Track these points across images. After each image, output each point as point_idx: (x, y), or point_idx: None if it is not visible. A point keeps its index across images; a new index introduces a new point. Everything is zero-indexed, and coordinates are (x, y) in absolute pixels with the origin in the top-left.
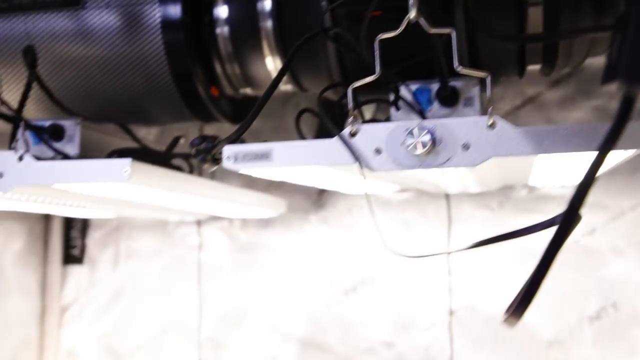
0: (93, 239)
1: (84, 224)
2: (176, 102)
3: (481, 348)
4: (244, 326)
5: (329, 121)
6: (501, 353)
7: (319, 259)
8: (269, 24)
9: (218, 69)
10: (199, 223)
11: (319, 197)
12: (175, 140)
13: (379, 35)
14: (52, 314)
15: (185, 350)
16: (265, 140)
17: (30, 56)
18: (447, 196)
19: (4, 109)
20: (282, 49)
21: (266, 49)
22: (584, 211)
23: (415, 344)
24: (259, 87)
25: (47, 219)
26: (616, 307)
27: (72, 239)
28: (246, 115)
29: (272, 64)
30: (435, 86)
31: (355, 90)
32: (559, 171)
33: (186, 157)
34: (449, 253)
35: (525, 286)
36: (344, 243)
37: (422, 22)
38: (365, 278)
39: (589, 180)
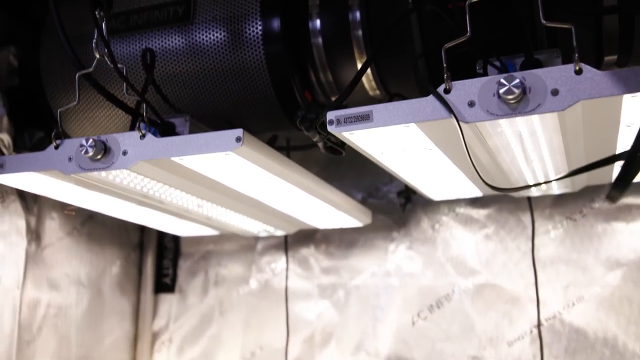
0: (183, 268)
1: (175, 254)
2: (274, 108)
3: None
4: (330, 346)
5: (424, 80)
6: None
7: (403, 275)
8: (359, 32)
9: (312, 76)
10: (282, 249)
11: (400, 215)
12: (274, 138)
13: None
14: (144, 339)
15: None
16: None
17: (149, 57)
18: (530, 199)
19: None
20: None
21: (357, 56)
22: None
23: (503, 357)
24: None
25: (142, 248)
26: None
27: (164, 268)
28: None
29: None
30: (519, 60)
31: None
32: None
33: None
34: (547, 182)
35: (622, 169)
36: (428, 259)
37: None
38: (450, 293)
39: None
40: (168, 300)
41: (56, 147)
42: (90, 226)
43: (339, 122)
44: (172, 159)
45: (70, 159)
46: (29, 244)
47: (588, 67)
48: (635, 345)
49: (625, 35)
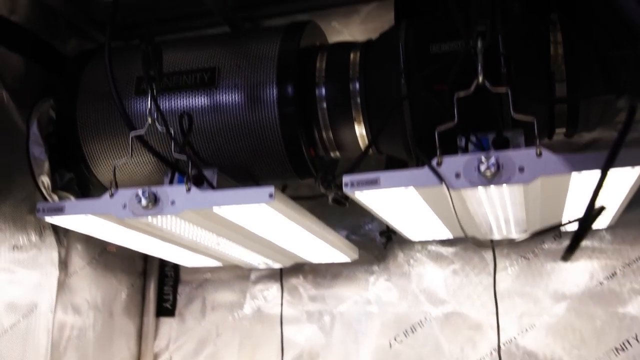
0: (183, 294)
1: (175, 281)
2: (283, 162)
3: None
4: None
5: (422, 156)
6: None
7: (382, 304)
8: (358, 100)
9: (316, 135)
10: (274, 278)
11: (380, 252)
12: (284, 188)
13: (457, 94)
14: (147, 359)
15: None
16: None
17: (186, 120)
18: (492, 246)
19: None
20: (368, 119)
21: (355, 119)
22: (605, 257)
23: None
24: (346, 150)
25: (145, 275)
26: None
27: (164, 294)
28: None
29: (359, 130)
30: (491, 136)
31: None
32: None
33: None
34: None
35: (572, 238)
36: (403, 290)
37: (487, 84)
38: (422, 320)
39: (603, 177)
40: (168, 323)
41: (111, 196)
42: (106, 256)
43: (352, 184)
44: (213, 208)
45: (124, 205)
46: (59, 273)
47: (546, 151)
48: None
49: (572, 117)
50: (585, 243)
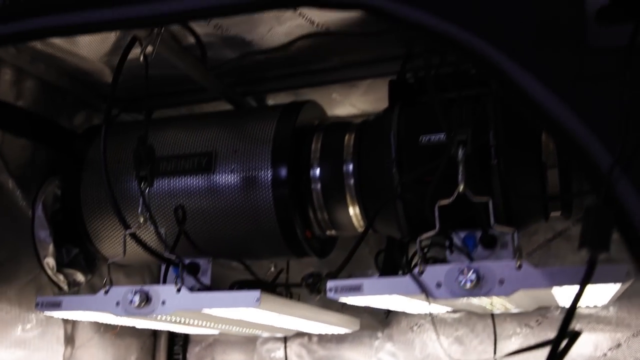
0: (192, 353)
1: (185, 340)
2: (278, 242)
3: None
4: None
5: (406, 266)
6: None
7: None
8: (351, 181)
9: (311, 215)
10: (282, 339)
11: (385, 317)
12: (279, 273)
13: (438, 202)
14: None
15: None
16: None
17: (180, 212)
18: (493, 316)
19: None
20: (362, 200)
21: (349, 200)
22: (610, 328)
23: None
24: (341, 229)
25: (155, 335)
26: None
27: (175, 354)
28: (330, 252)
29: (353, 211)
30: (478, 234)
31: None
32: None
33: (286, 286)
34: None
35: None
36: (407, 356)
37: (468, 193)
38: None
39: (574, 304)
40: None
41: (106, 293)
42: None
43: (336, 290)
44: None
45: (117, 303)
46: (65, 349)
47: (527, 264)
48: None
49: (566, 204)
50: (589, 312)
